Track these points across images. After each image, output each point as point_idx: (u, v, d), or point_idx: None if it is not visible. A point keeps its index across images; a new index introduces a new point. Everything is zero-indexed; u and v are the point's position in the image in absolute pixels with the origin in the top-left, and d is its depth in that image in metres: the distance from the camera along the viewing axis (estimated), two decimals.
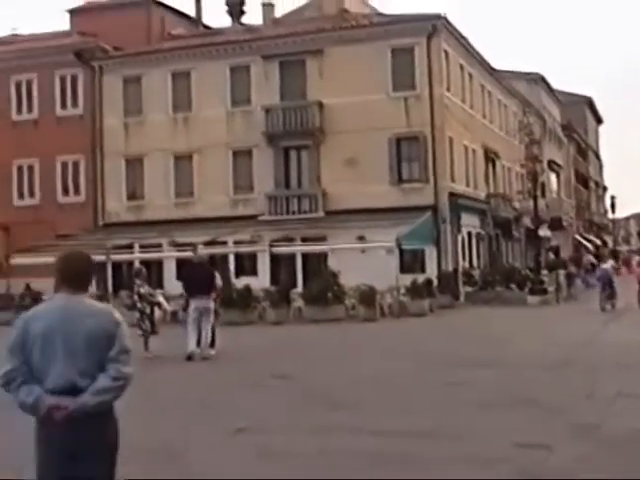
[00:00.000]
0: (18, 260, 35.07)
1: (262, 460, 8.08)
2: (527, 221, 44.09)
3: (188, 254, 23.29)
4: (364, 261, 29.86)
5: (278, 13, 43.23)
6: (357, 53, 35.10)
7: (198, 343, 16.62)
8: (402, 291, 28.94)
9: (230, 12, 44.31)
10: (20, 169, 40.18)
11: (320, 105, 35.64)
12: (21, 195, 40.36)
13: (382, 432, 9.11)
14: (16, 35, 46.99)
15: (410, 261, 33.47)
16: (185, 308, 17.66)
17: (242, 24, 43.89)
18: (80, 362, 4.49)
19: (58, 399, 4.42)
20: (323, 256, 33.08)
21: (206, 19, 55.54)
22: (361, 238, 31.25)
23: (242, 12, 44.44)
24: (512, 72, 53.13)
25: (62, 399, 4.43)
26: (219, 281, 17.89)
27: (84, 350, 4.50)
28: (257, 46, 37.24)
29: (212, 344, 16.96)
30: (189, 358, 16.37)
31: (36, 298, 31.44)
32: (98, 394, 4.46)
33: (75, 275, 4.71)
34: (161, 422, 10.18)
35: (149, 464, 7.91)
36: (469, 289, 34.93)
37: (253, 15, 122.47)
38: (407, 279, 29.25)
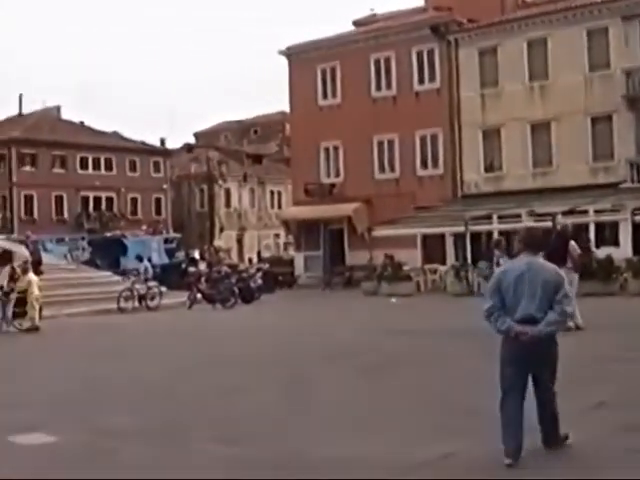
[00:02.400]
0: (379, 232, 36.49)
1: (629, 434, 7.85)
2: None
3: (547, 224, 22.96)
4: None
5: None
6: None
7: None
8: None
9: None
10: (380, 144, 41.61)
11: None
12: (382, 169, 41.84)
13: None
14: (374, 15, 48.72)
15: None
16: None
17: None
18: (537, 301, 6.86)
19: (523, 327, 6.83)
20: None
21: None
22: None
23: None
24: None
25: (525, 327, 6.82)
26: (575, 251, 17.39)
27: (540, 293, 6.87)
28: (617, 7, 35.65)
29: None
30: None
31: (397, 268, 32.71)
32: (549, 325, 6.87)
33: (534, 242, 7.31)
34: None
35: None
36: None
37: None
38: None
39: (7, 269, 20.94)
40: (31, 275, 21.20)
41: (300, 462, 7.35)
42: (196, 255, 33.75)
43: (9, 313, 20.55)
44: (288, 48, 44.84)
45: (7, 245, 28.52)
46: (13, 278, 20.79)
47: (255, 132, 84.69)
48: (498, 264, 17.92)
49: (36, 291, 20.76)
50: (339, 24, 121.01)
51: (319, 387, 11.33)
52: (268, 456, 7.61)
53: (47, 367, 14.42)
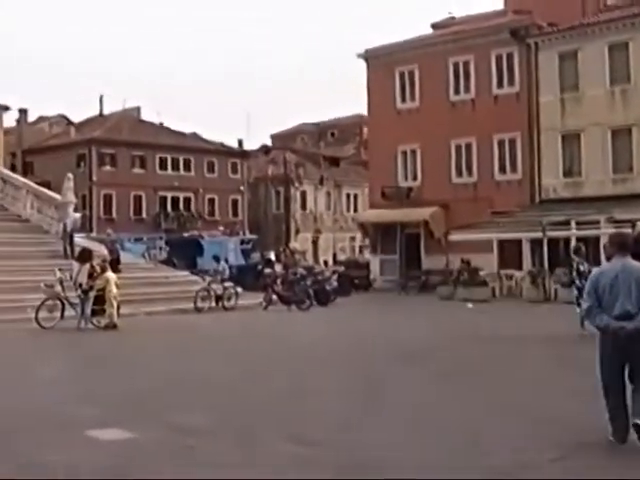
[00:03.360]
0: (456, 236, 36.28)
1: None
2: None
3: (627, 231, 22.53)
4: None
5: None
6: None
7: None
8: None
9: None
10: (458, 148, 41.46)
11: None
12: (459, 173, 41.66)
13: None
14: (453, 18, 48.48)
15: None
16: None
17: None
18: (633, 299, 7.56)
19: (620, 323, 7.54)
20: None
21: None
22: None
23: None
24: None
25: (622, 322, 7.53)
26: None
27: (634, 290, 7.57)
28: None
29: None
30: None
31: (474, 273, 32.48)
32: None
33: (625, 245, 7.98)
34: None
35: None
36: None
37: None
38: None
39: (86, 267, 21.31)
40: (109, 273, 21.56)
41: (376, 464, 7.34)
42: (272, 257, 33.98)
43: (88, 310, 20.91)
44: (367, 51, 44.89)
45: (86, 243, 29.07)
46: (92, 276, 21.16)
47: (332, 135, 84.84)
48: (578, 271, 17.70)
49: (114, 289, 21.10)
50: (418, 27, 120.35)
51: (395, 389, 11.34)
52: (341, 457, 7.62)
53: (124, 364, 14.65)
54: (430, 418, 9.44)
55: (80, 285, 20.90)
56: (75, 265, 21.63)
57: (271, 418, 9.53)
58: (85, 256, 21.95)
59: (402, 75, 43.16)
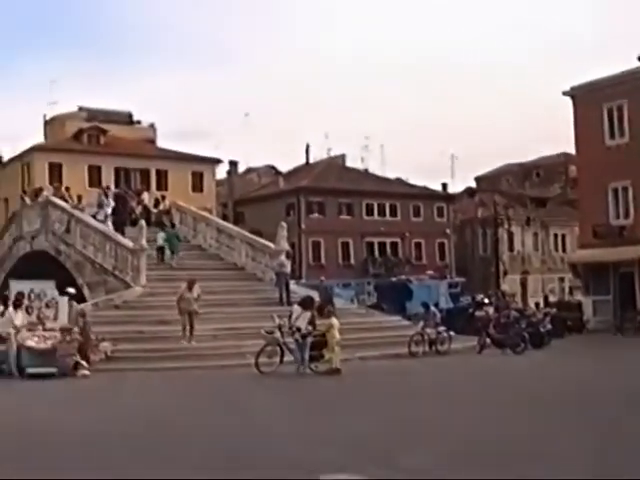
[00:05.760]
0: None
1: None
2: None
3: None
4: None
5: None
6: None
7: None
8: None
9: None
10: (615, 191, 40.93)
11: None
12: (617, 216, 41.23)
13: None
14: None
15: None
16: None
17: None
18: None
19: None
20: None
21: None
22: None
23: None
24: None
25: None
26: None
27: None
28: None
29: None
30: None
31: None
32: None
33: None
34: None
35: None
36: None
37: None
38: None
39: (308, 314, 21.75)
40: (333, 319, 21.98)
41: None
42: (485, 300, 33.73)
43: (306, 356, 21.29)
44: (572, 88, 44.01)
45: (301, 290, 29.83)
46: (312, 322, 21.62)
47: (537, 175, 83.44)
48: None
49: (337, 335, 21.48)
50: (624, 61, 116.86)
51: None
52: None
53: (347, 408, 14.85)
54: None
55: (298, 330, 21.35)
56: (296, 310, 22.00)
57: (506, 465, 9.31)
58: (308, 303, 22.45)
59: (610, 110, 41.97)
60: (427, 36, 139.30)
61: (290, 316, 21.86)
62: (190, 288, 25.02)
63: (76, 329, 22.66)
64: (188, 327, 24.75)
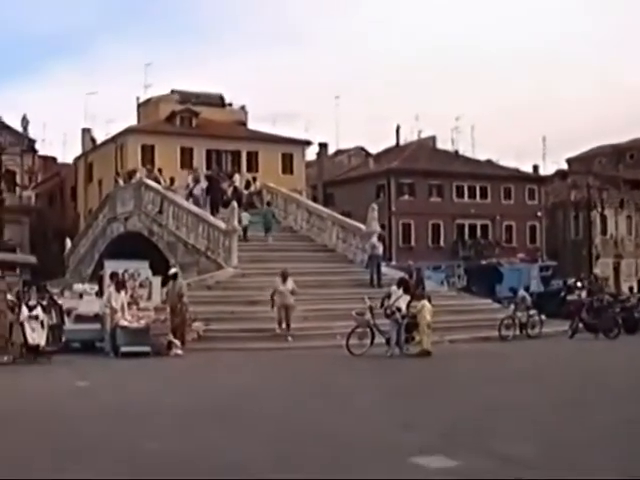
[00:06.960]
0: None
1: None
2: None
3: None
4: None
5: None
6: None
7: None
8: None
9: None
10: None
11: None
12: None
13: None
14: None
15: None
16: None
17: None
18: None
19: None
20: None
21: None
22: None
23: None
24: None
25: None
26: None
27: None
28: None
29: None
30: None
31: None
32: None
33: None
34: None
35: None
36: None
37: None
38: None
39: (407, 296, 21.64)
40: (425, 301, 21.90)
41: None
42: (578, 284, 33.12)
43: (402, 337, 21.21)
44: None
45: (392, 272, 29.81)
46: (408, 305, 21.53)
47: (631, 157, 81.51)
48: None
49: (428, 317, 21.39)
50: None
51: None
52: None
53: (439, 391, 14.85)
54: None
55: (399, 310, 21.23)
56: (395, 291, 21.79)
57: (602, 454, 9.09)
58: (406, 285, 22.37)
59: None
60: (523, 26, 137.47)
61: (388, 296, 21.74)
62: (284, 280, 24.35)
63: (168, 309, 23.10)
64: (284, 323, 24.28)
